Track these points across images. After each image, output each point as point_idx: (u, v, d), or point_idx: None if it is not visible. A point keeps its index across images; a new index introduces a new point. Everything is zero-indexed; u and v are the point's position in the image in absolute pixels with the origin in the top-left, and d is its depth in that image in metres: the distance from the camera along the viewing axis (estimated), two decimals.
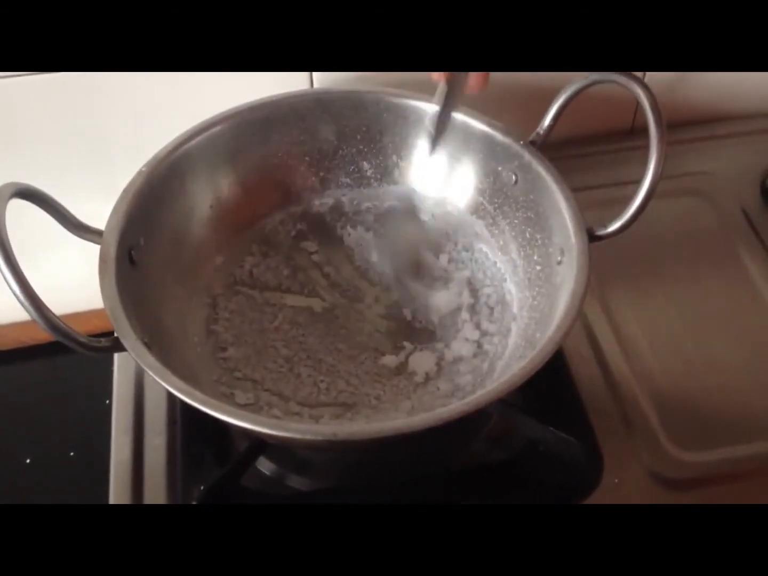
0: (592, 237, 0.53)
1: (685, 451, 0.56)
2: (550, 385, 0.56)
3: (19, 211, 0.47)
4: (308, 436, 0.44)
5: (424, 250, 0.64)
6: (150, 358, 0.46)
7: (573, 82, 0.55)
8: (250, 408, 0.55)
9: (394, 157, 0.64)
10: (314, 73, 0.65)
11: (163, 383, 0.45)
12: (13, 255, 0.44)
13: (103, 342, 0.48)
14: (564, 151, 0.58)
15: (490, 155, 0.60)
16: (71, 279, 0.59)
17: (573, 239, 0.53)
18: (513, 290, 0.60)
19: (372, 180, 0.65)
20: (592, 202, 0.58)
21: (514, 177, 0.59)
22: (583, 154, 0.74)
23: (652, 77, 0.70)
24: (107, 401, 0.61)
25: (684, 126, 0.75)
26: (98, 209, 0.53)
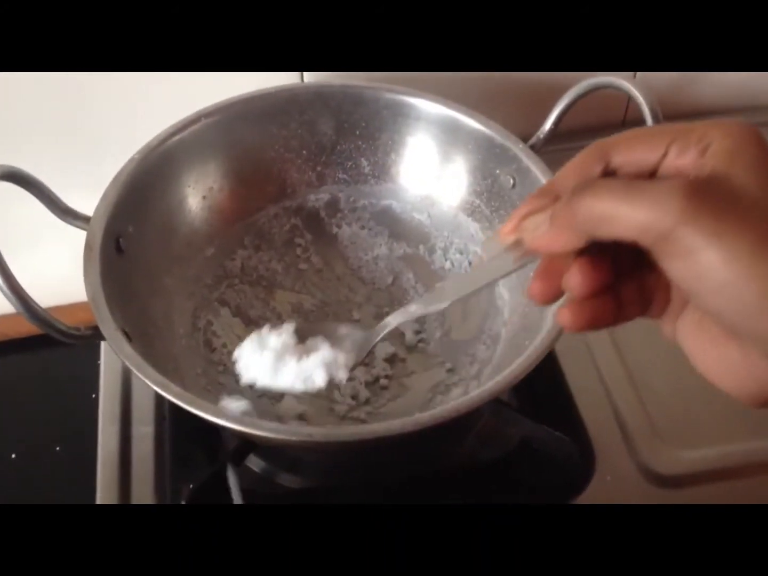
0: None
1: (677, 449, 0.56)
2: (543, 384, 0.56)
3: (2, 205, 0.46)
4: (282, 436, 0.43)
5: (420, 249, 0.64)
6: (128, 348, 0.45)
7: (572, 88, 0.55)
8: None
9: (393, 155, 0.63)
10: (305, 74, 0.64)
11: (139, 374, 0.44)
12: None
13: (83, 330, 0.47)
14: (554, 144, 0.57)
15: (488, 157, 0.59)
16: (55, 273, 0.58)
17: None
18: (505, 295, 0.59)
19: (369, 177, 0.64)
20: None
21: (512, 180, 0.58)
22: (574, 147, 0.72)
23: (650, 76, 0.68)
24: (93, 395, 0.60)
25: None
26: (87, 204, 0.52)
